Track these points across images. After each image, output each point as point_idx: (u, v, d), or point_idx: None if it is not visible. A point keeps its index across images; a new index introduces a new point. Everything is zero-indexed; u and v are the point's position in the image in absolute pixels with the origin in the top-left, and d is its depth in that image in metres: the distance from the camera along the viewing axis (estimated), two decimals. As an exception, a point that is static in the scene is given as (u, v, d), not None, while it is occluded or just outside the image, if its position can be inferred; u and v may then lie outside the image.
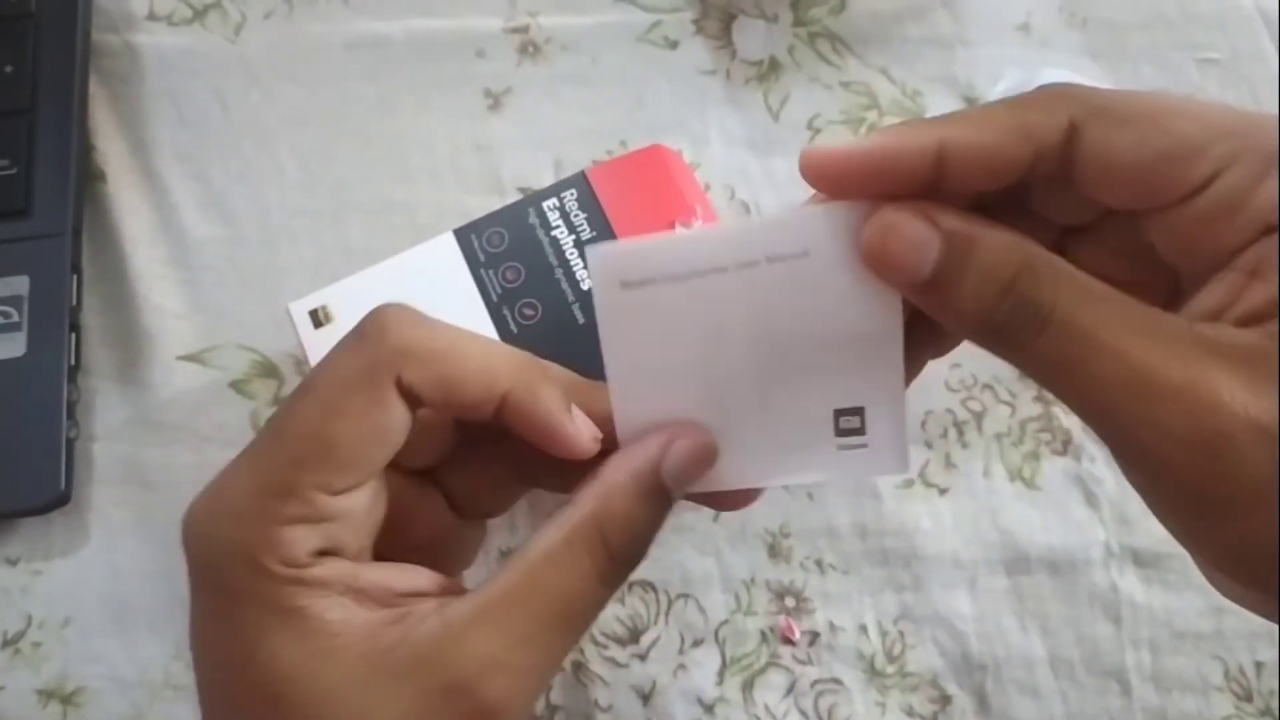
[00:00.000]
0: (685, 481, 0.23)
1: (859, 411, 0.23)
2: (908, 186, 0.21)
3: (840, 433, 0.23)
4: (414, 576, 0.23)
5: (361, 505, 0.22)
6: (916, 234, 0.20)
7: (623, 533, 0.22)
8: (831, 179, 0.21)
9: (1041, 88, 0.21)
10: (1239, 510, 0.18)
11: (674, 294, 0.22)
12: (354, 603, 0.21)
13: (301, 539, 0.21)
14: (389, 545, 0.24)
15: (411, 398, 0.22)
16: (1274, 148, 0.19)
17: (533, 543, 0.22)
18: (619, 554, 0.22)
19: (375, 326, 0.22)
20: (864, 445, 0.23)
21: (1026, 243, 0.20)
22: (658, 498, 0.22)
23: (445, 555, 0.26)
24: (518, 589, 0.21)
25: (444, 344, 0.22)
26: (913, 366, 0.23)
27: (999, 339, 0.20)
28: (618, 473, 0.22)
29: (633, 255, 0.22)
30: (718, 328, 0.23)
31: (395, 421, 0.22)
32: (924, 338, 0.23)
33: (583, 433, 0.23)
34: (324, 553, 0.22)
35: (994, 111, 0.21)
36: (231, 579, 0.21)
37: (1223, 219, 0.20)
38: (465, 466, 0.25)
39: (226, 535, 0.21)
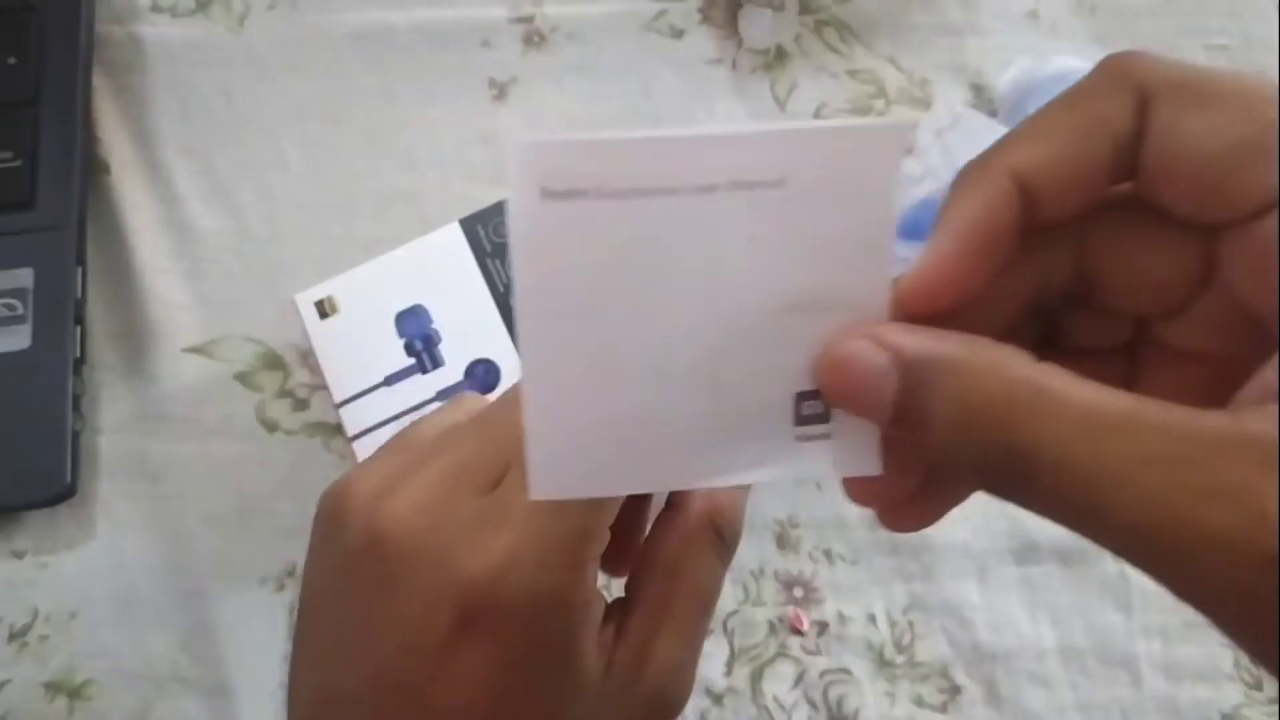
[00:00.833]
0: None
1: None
2: (1007, 247, 0.18)
3: (801, 420, 0.19)
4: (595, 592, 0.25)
5: None
6: (870, 365, 0.17)
7: (731, 522, 0.24)
8: (947, 299, 0.18)
9: (1103, 62, 0.17)
10: None
11: (610, 215, 0.17)
12: (595, 640, 0.23)
13: (593, 576, 0.22)
14: None
15: None
16: None
17: (662, 549, 0.24)
18: (732, 541, 0.24)
19: None
20: (827, 436, 0.18)
21: (1006, 364, 0.16)
22: (745, 487, 0.25)
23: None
24: (671, 599, 0.23)
25: None
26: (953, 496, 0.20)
27: (989, 485, 0.16)
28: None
29: (564, 154, 0.17)
30: (660, 270, 0.18)
31: None
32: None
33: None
34: None
35: (1058, 110, 0.18)
36: (540, 627, 0.22)
37: None
38: None
39: (548, 583, 0.22)
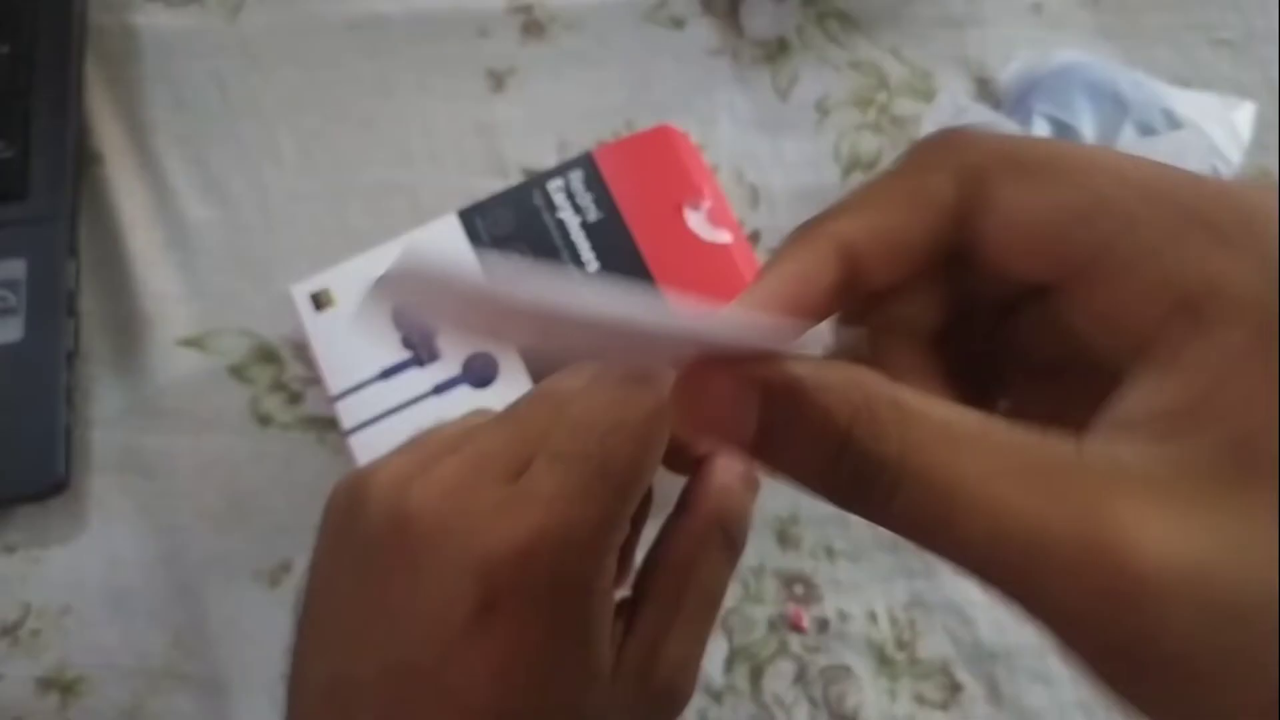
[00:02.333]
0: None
1: None
2: (822, 309, 0.19)
3: None
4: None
5: None
6: (728, 393, 0.17)
7: (740, 525, 0.25)
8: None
9: (927, 139, 0.18)
10: (1175, 677, 0.14)
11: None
12: (609, 631, 0.23)
13: (613, 565, 0.23)
14: None
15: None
16: (1195, 205, 0.16)
17: (672, 549, 0.25)
18: (739, 542, 0.25)
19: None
20: None
21: (866, 382, 0.16)
22: (754, 490, 0.26)
23: None
24: (679, 597, 0.24)
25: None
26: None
27: (852, 504, 0.16)
28: (727, 475, 0.25)
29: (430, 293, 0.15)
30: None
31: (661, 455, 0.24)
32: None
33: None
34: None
35: (883, 184, 0.19)
36: (562, 611, 0.22)
37: (1132, 290, 0.16)
38: None
39: (573, 567, 0.22)
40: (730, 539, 0.25)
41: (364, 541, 0.23)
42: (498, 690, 0.22)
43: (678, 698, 0.25)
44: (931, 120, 0.37)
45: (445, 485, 0.23)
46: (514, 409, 0.24)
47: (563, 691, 0.23)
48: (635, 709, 0.24)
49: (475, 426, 0.25)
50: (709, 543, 0.25)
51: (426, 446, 0.24)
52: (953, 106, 0.36)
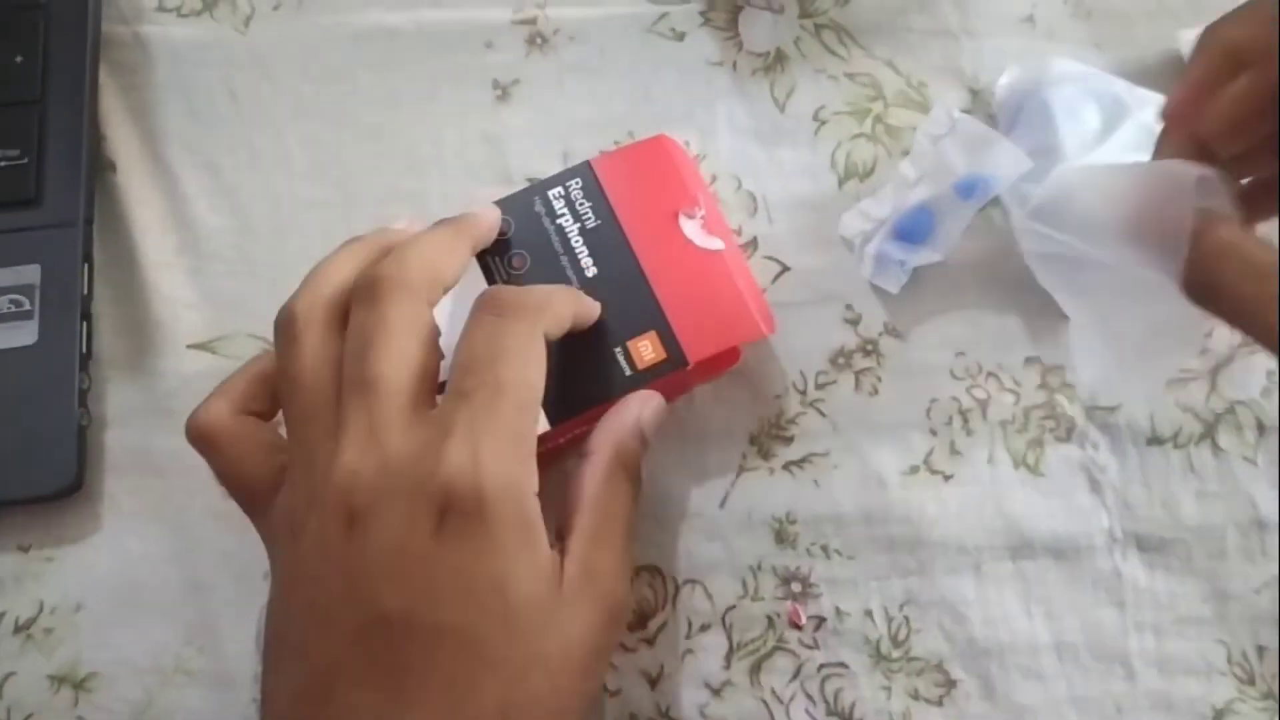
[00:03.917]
0: (656, 425, 0.33)
1: None
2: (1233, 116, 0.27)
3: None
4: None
5: None
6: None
7: (636, 463, 0.32)
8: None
9: None
10: None
11: None
12: (547, 537, 0.28)
13: (535, 471, 0.28)
14: None
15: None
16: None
17: (586, 485, 0.30)
18: (636, 478, 0.32)
19: (511, 303, 0.29)
20: None
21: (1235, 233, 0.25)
22: (644, 439, 0.32)
23: None
24: (601, 522, 0.30)
25: (544, 296, 0.31)
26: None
27: (1196, 296, 0.26)
28: (624, 420, 0.32)
29: None
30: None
31: (545, 360, 0.29)
32: None
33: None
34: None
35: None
36: (511, 509, 0.27)
37: None
38: None
39: (504, 475, 0.26)
40: (630, 474, 0.31)
41: (313, 540, 0.27)
42: (461, 597, 0.26)
43: (621, 602, 0.29)
44: (925, 133, 0.38)
45: (367, 453, 0.27)
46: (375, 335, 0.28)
47: (522, 583, 0.26)
48: (589, 616, 0.28)
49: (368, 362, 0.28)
50: (615, 477, 0.31)
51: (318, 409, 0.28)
52: (947, 119, 0.37)
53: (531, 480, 0.27)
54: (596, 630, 0.28)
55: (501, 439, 0.27)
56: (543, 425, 0.32)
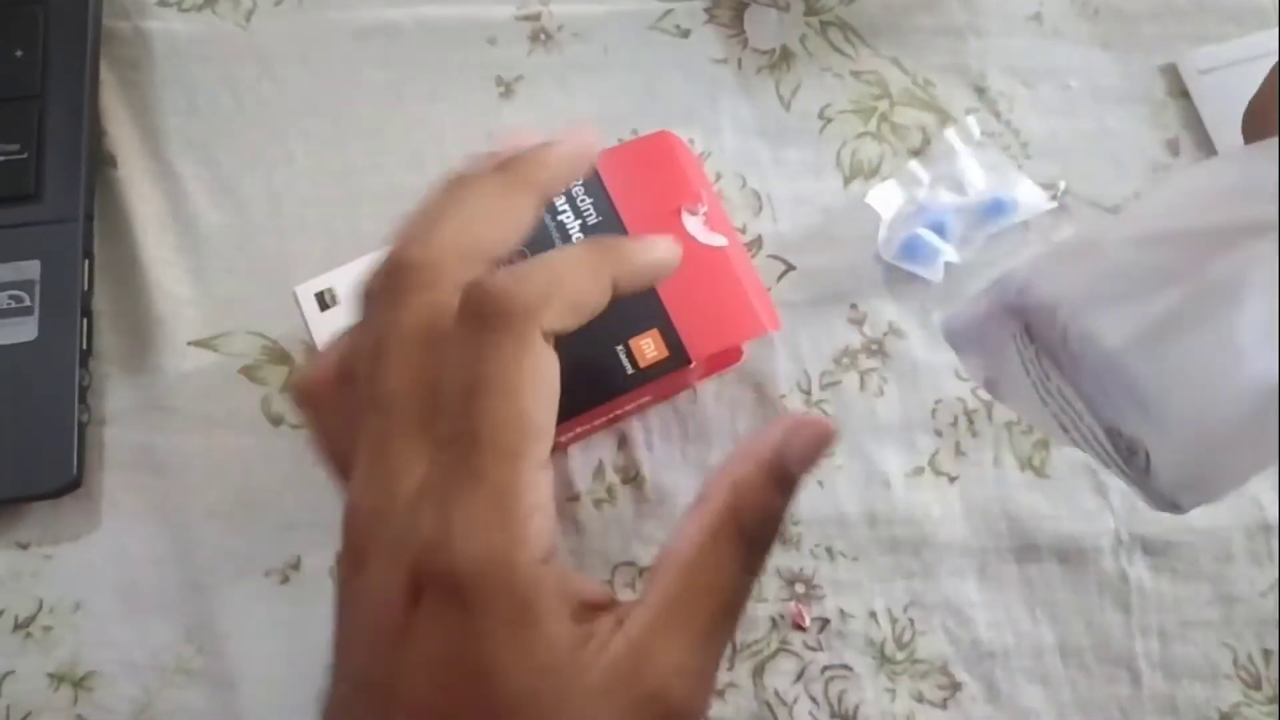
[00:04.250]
0: (809, 465, 0.23)
1: None
2: None
3: None
4: (587, 581, 0.24)
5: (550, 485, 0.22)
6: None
7: (758, 522, 0.23)
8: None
9: None
10: None
11: None
12: (567, 614, 0.22)
13: (538, 532, 0.21)
14: None
15: (550, 337, 0.22)
16: None
17: (680, 544, 0.23)
18: (758, 542, 0.23)
19: (491, 303, 0.22)
20: None
21: None
22: (784, 483, 0.23)
23: None
24: (682, 596, 0.22)
25: (547, 281, 0.22)
26: None
27: None
28: (745, 464, 0.23)
29: None
30: None
31: (554, 373, 0.22)
32: None
33: (675, 249, 0.27)
34: (553, 551, 0.22)
35: None
36: (491, 589, 0.21)
37: None
38: None
39: (482, 549, 0.21)
40: (747, 536, 0.23)
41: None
42: (439, 686, 0.21)
43: (676, 708, 0.21)
44: (950, 140, 0.39)
45: (386, 497, 0.22)
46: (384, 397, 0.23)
47: (512, 674, 0.21)
48: (621, 711, 0.21)
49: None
50: (719, 535, 0.22)
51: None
52: (976, 133, 0.39)
53: (525, 547, 0.21)
54: None
55: (479, 503, 0.21)
56: None
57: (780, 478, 0.23)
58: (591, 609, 0.22)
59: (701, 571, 0.22)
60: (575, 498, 0.36)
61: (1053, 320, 0.19)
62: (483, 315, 0.22)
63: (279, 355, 0.38)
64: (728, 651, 0.35)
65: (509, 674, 0.21)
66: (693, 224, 0.36)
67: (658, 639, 0.22)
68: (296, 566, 0.36)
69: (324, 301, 0.36)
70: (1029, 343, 0.21)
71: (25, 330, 0.37)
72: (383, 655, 0.21)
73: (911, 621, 0.36)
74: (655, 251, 0.25)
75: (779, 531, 0.23)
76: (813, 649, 0.36)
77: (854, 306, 0.38)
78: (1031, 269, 0.20)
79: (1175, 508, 0.20)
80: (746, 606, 0.23)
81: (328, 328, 0.35)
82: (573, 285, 0.23)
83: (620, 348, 0.34)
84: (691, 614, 0.22)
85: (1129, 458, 0.20)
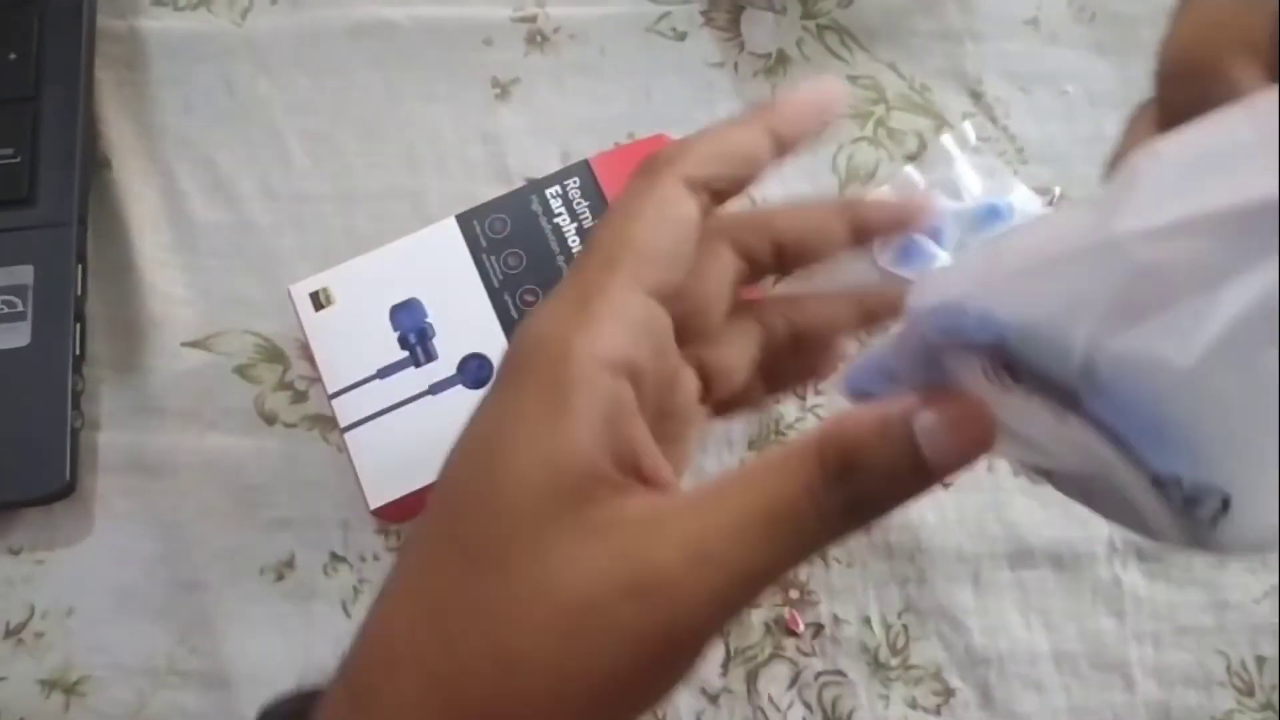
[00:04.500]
0: (944, 450, 0.19)
1: None
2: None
3: None
4: (659, 456, 0.22)
5: (661, 325, 0.23)
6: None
7: (841, 455, 0.19)
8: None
9: None
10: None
11: None
12: (606, 440, 0.20)
13: (610, 335, 0.21)
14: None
15: (699, 189, 0.24)
16: None
17: (756, 463, 0.20)
18: (834, 473, 0.19)
19: (648, 160, 0.24)
20: None
21: None
22: (901, 445, 0.18)
23: (672, 447, 0.25)
24: (729, 486, 0.19)
25: (689, 140, 0.25)
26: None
27: None
28: (862, 409, 0.19)
29: None
30: None
31: (685, 213, 0.24)
32: None
33: (832, 87, 0.27)
34: (623, 370, 0.21)
35: None
36: (531, 356, 0.21)
37: None
38: (728, 345, 0.27)
39: (545, 329, 0.21)
40: (824, 466, 0.19)
41: None
42: (458, 452, 0.21)
43: (677, 591, 0.18)
44: (946, 146, 0.38)
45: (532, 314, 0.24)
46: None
47: (512, 463, 0.20)
48: (602, 572, 0.19)
49: None
50: (791, 457, 0.19)
51: None
52: (973, 139, 0.39)
53: (589, 339, 0.20)
54: (606, 593, 0.18)
55: (565, 296, 0.22)
56: None
57: (897, 436, 0.19)
58: (638, 475, 0.21)
59: (758, 473, 0.19)
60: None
61: (1061, 352, 0.15)
62: (640, 170, 0.24)
63: (273, 354, 0.38)
64: (721, 657, 0.35)
65: (516, 452, 0.20)
66: None
67: (681, 515, 0.19)
68: (291, 565, 0.36)
69: (318, 301, 0.36)
70: (1012, 383, 0.17)
71: (18, 336, 0.37)
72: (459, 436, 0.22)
73: (906, 627, 0.36)
74: (805, 94, 0.26)
75: (870, 489, 0.19)
76: (807, 655, 0.36)
77: (850, 311, 0.38)
78: (984, 293, 0.16)
79: (1224, 552, 0.16)
80: (803, 548, 0.19)
81: (321, 327, 0.35)
82: (714, 136, 0.25)
83: None
84: (729, 504, 0.19)
85: (1186, 508, 0.15)
